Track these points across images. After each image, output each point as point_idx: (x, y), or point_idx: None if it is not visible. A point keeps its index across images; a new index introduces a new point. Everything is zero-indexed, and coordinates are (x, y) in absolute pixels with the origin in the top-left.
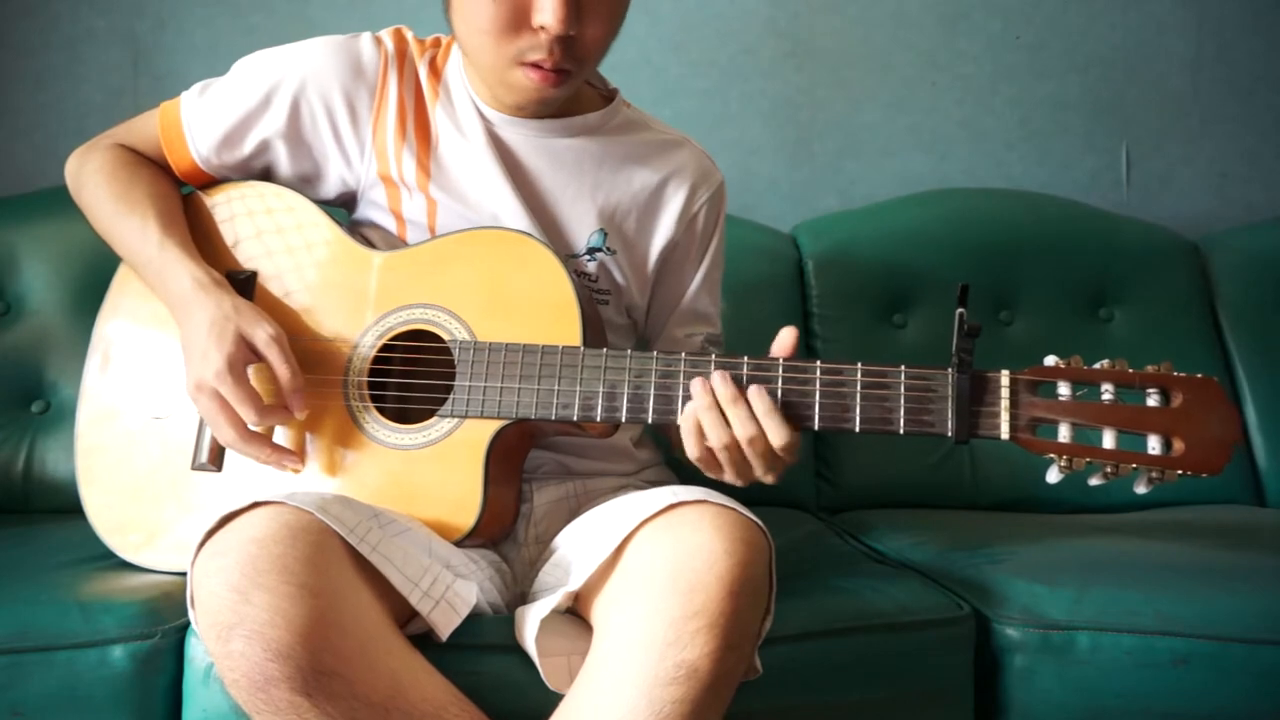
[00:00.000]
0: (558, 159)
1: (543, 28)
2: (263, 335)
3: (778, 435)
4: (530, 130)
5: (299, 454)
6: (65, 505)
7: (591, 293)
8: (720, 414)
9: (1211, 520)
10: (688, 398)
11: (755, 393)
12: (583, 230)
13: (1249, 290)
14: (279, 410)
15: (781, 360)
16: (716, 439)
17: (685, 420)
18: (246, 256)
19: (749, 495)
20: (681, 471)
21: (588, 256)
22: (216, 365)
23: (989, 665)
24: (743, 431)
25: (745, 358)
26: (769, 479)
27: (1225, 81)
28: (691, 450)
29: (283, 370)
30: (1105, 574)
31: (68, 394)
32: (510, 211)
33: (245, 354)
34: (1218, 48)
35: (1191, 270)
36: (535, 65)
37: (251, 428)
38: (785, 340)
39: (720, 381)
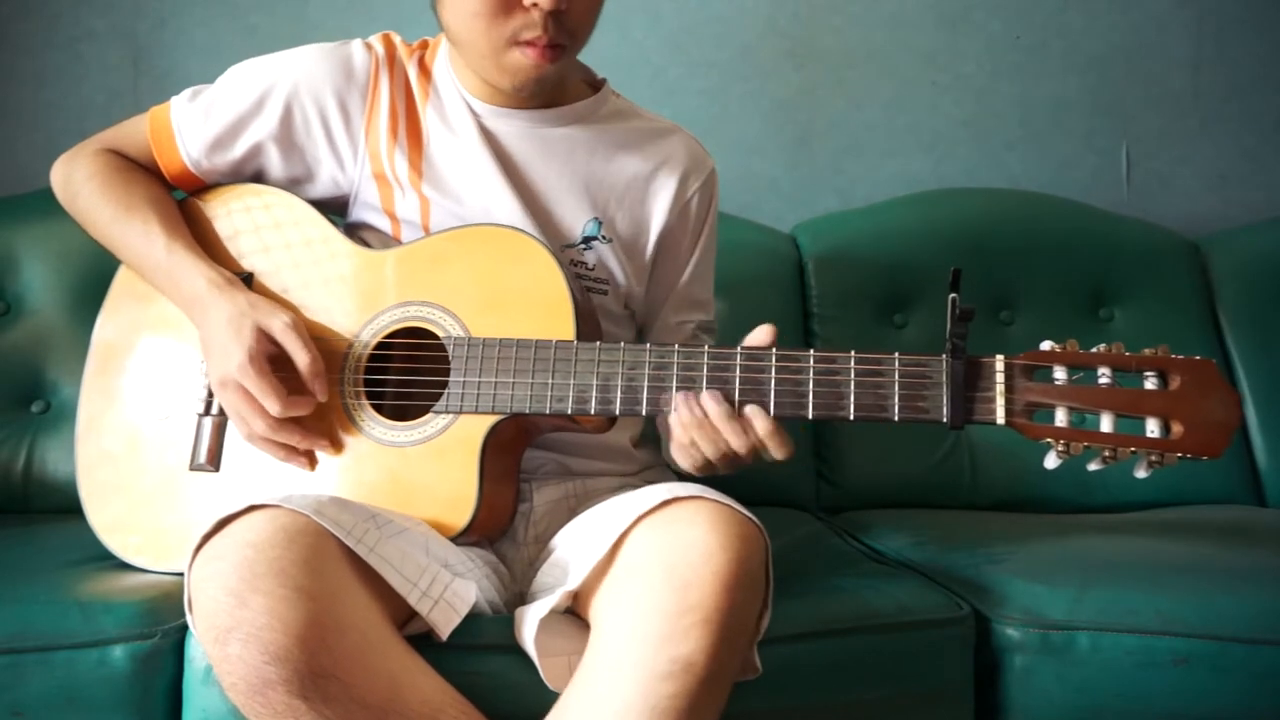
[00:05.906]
0: (549, 149)
1: (535, 4)
2: (279, 324)
3: (780, 451)
4: (520, 121)
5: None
6: (65, 505)
7: (589, 284)
8: (712, 429)
9: (1211, 520)
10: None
11: (755, 414)
12: (577, 219)
13: (1249, 290)
14: (302, 398)
15: (775, 350)
16: (711, 451)
17: (676, 432)
18: (243, 255)
19: (747, 495)
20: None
21: (584, 246)
22: (239, 359)
23: (989, 665)
24: (740, 444)
25: (739, 348)
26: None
27: (1225, 81)
28: (683, 461)
29: (302, 356)
30: (1105, 574)
31: (68, 394)
32: (503, 204)
33: (265, 346)
34: (1218, 48)
35: (1191, 270)
36: (530, 44)
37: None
38: (762, 335)
39: (712, 401)
